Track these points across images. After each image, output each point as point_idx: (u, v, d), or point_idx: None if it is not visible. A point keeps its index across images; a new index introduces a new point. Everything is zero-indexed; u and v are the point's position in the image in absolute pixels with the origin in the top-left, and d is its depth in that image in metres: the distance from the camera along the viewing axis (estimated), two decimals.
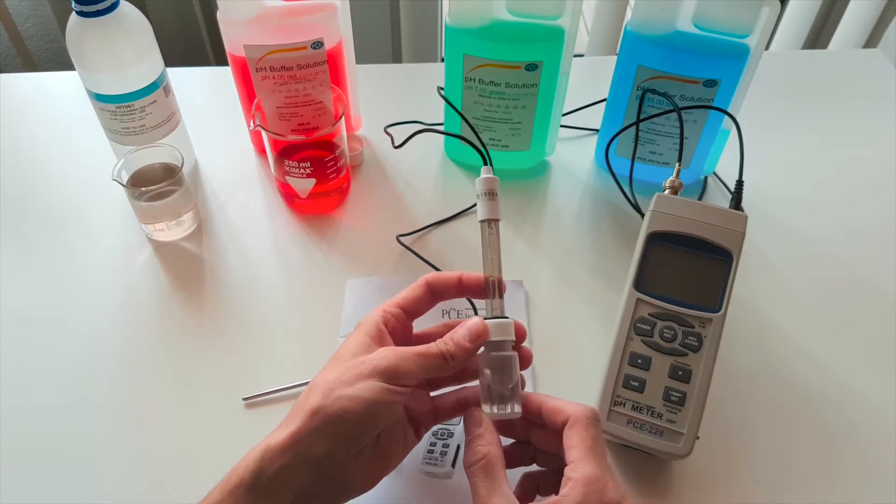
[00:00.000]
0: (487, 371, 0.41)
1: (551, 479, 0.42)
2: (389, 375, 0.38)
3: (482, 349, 0.42)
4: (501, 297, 0.43)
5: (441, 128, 0.71)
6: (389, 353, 0.39)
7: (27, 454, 0.50)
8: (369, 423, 0.38)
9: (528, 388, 0.53)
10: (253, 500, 0.36)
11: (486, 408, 0.41)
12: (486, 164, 0.45)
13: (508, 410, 0.41)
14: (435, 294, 0.45)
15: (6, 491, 0.48)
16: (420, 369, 0.39)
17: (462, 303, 0.57)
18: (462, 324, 0.41)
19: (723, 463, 0.49)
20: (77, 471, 0.49)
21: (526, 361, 0.44)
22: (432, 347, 0.40)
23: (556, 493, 0.38)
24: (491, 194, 0.44)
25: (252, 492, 0.36)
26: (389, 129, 0.65)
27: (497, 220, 0.44)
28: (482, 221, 0.44)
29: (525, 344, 0.55)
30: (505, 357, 0.41)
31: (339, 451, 0.37)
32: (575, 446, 0.38)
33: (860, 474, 0.49)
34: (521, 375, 0.43)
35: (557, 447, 0.40)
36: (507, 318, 0.42)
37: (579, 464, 0.37)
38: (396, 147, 0.64)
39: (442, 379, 0.45)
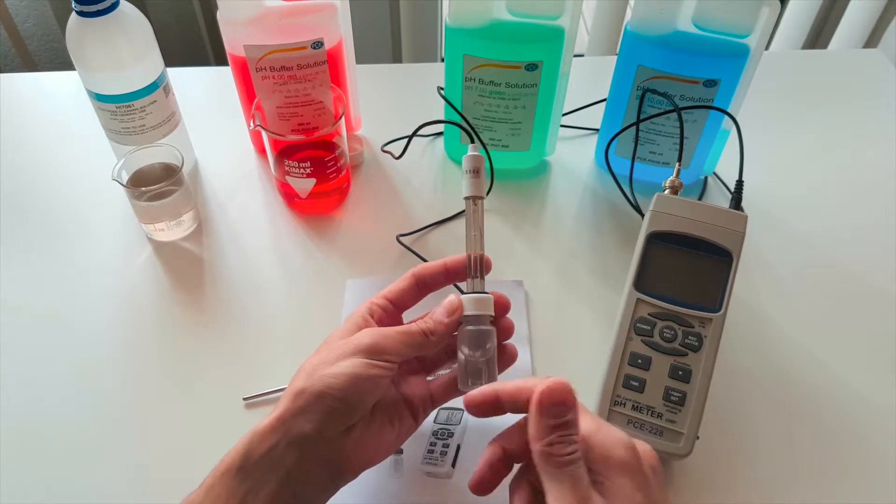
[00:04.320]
0: (464, 346, 0.42)
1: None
2: (371, 352, 0.39)
3: (462, 325, 0.42)
4: (482, 275, 0.44)
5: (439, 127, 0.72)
6: (370, 332, 0.41)
7: (28, 453, 0.50)
8: (353, 397, 0.38)
9: None
10: (243, 480, 0.36)
11: (461, 385, 0.42)
12: (472, 142, 0.46)
13: (483, 383, 0.41)
14: (422, 284, 0.46)
15: (6, 489, 0.48)
16: (402, 346, 0.40)
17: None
18: (440, 303, 0.43)
19: (723, 463, 0.49)
20: (77, 470, 0.49)
21: (507, 332, 0.45)
22: (413, 326, 0.42)
23: (533, 486, 0.36)
24: (475, 172, 0.45)
25: (241, 473, 0.36)
26: (387, 147, 0.67)
27: (481, 198, 0.45)
28: (466, 198, 0.45)
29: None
30: (480, 331, 0.42)
31: (326, 428, 0.38)
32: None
33: (861, 474, 0.49)
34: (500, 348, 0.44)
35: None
36: (486, 293, 0.43)
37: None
38: (397, 158, 0.65)
39: (436, 360, 0.46)
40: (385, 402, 0.41)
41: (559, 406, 0.33)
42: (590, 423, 0.35)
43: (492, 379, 0.42)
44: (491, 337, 0.42)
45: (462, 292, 0.56)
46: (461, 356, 0.42)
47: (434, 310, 0.43)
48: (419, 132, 0.64)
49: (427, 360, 0.47)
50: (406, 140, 0.66)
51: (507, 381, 0.38)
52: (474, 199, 0.45)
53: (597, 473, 0.33)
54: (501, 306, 0.45)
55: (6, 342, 0.57)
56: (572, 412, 0.33)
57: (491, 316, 0.43)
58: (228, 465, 0.37)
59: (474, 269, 0.44)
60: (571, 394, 0.34)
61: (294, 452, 0.37)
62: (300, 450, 0.37)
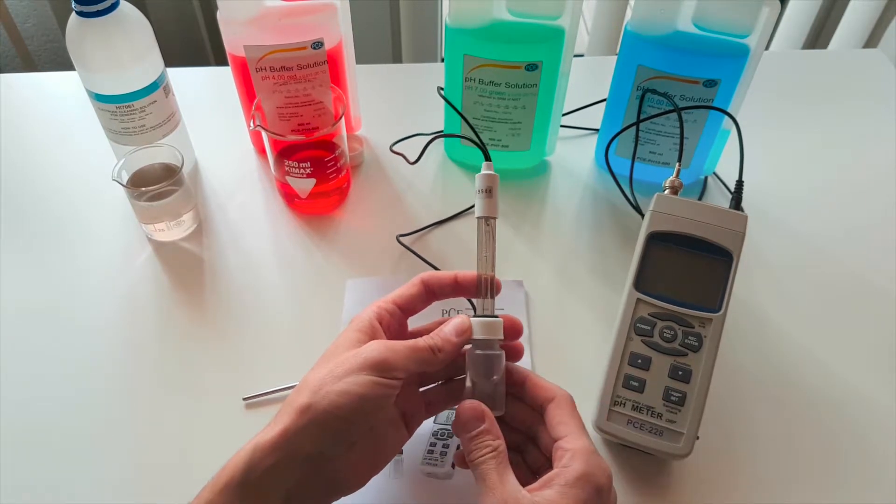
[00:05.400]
0: (473, 370, 0.42)
1: (514, 458, 0.42)
2: (380, 368, 0.38)
3: (470, 347, 0.42)
4: (493, 296, 0.44)
5: (442, 131, 0.72)
6: (379, 346, 0.40)
7: (28, 454, 0.50)
8: (359, 417, 0.38)
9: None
10: (243, 497, 0.36)
11: None
12: (487, 158, 0.46)
13: (491, 407, 0.41)
14: (430, 292, 0.45)
15: (6, 487, 0.48)
16: (410, 361, 0.39)
17: (463, 303, 0.57)
18: (449, 320, 0.42)
19: (723, 463, 0.49)
20: (77, 471, 0.49)
21: (517, 356, 0.45)
22: (421, 341, 0.41)
23: (531, 469, 0.42)
24: (489, 191, 0.44)
25: (242, 489, 0.36)
26: (395, 147, 0.67)
27: (494, 218, 0.44)
28: (479, 218, 0.44)
29: (525, 344, 0.55)
30: (490, 356, 0.42)
31: (329, 448, 0.37)
32: (566, 422, 0.40)
33: (861, 474, 0.49)
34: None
35: (530, 424, 0.42)
36: (496, 317, 0.43)
37: (575, 437, 0.38)
38: (413, 163, 0.65)
39: (432, 376, 0.46)
40: (385, 416, 0.41)
41: (470, 422, 0.40)
42: (577, 442, 0.38)
43: (500, 404, 0.42)
44: (500, 362, 0.42)
45: (473, 306, 0.56)
46: (470, 380, 0.42)
47: (442, 326, 0.42)
48: (422, 133, 0.63)
49: (425, 372, 0.46)
50: (412, 142, 0.65)
51: (536, 375, 0.43)
52: (487, 220, 0.44)
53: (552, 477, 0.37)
54: (514, 331, 0.44)
55: (6, 342, 0.57)
56: (484, 424, 0.39)
57: (500, 340, 0.42)
58: (228, 479, 0.36)
59: (484, 290, 0.43)
60: (479, 412, 0.40)
61: (295, 471, 0.37)
62: (302, 469, 0.37)
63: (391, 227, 0.65)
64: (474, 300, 0.45)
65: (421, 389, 0.45)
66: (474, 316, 0.43)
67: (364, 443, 0.39)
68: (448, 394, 0.45)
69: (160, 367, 0.55)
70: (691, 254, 0.49)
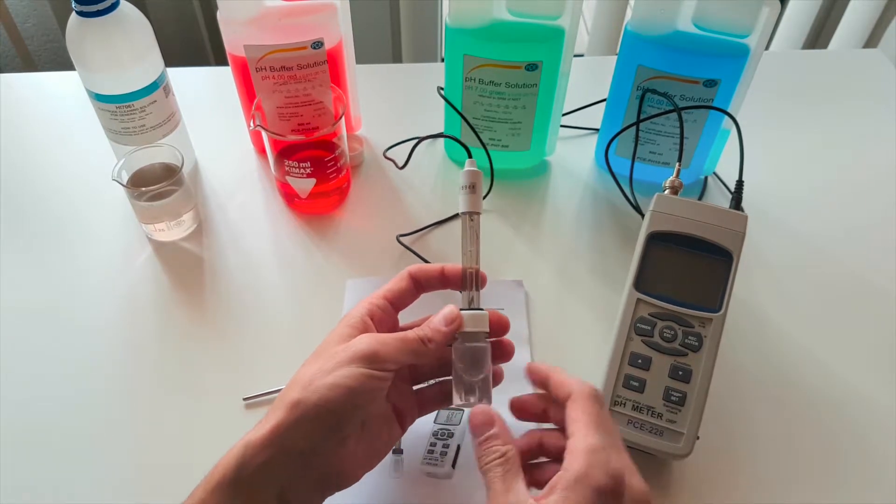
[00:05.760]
0: (459, 362, 0.42)
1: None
2: (369, 360, 0.38)
3: (457, 340, 0.42)
4: (478, 289, 0.44)
5: (442, 132, 0.72)
6: (369, 339, 0.40)
7: (27, 454, 0.50)
8: (350, 411, 0.38)
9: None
10: (236, 495, 0.36)
11: (456, 398, 0.42)
12: (470, 157, 0.46)
13: (475, 401, 0.41)
14: (418, 285, 0.45)
15: (6, 487, 0.48)
16: (400, 353, 0.39)
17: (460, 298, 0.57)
18: (438, 312, 0.42)
19: (723, 463, 0.49)
20: (77, 470, 0.49)
21: (507, 354, 0.45)
22: (410, 333, 0.41)
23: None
24: (472, 187, 0.45)
25: (234, 487, 0.36)
26: (389, 152, 0.67)
27: (478, 213, 0.45)
28: (463, 214, 0.45)
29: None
30: (476, 348, 0.42)
31: (321, 443, 0.37)
32: (578, 419, 0.38)
33: (861, 474, 0.49)
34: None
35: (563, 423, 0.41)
36: (482, 309, 0.43)
37: (581, 436, 0.37)
38: (401, 167, 0.66)
39: (424, 372, 0.46)
40: (377, 410, 0.41)
41: (479, 427, 0.39)
42: (582, 441, 0.36)
43: (486, 396, 0.42)
44: (486, 354, 0.42)
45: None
46: (457, 372, 0.42)
47: (432, 318, 0.42)
48: (419, 137, 0.64)
49: (416, 368, 0.46)
50: (407, 146, 0.65)
51: (559, 372, 0.41)
52: (471, 215, 0.45)
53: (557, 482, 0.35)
54: (501, 326, 0.44)
55: (6, 342, 0.57)
56: (493, 429, 0.38)
57: (486, 332, 0.42)
58: (221, 478, 0.36)
59: (470, 283, 0.44)
60: (488, 417, 0.39)
61: (288, 468, 0.36)
62: (295, 465, 0.37)
63: (391, 227, 0.65)
64: (462, 294, 0.45)
65: (415, 388, 0.45)
66: (461, 309, 0.43)
67: (356, 437, 0.39)
68: (441, 393, 0.45)
69: (160, 367, 0.55)
70: (691, 254, 0.49)
